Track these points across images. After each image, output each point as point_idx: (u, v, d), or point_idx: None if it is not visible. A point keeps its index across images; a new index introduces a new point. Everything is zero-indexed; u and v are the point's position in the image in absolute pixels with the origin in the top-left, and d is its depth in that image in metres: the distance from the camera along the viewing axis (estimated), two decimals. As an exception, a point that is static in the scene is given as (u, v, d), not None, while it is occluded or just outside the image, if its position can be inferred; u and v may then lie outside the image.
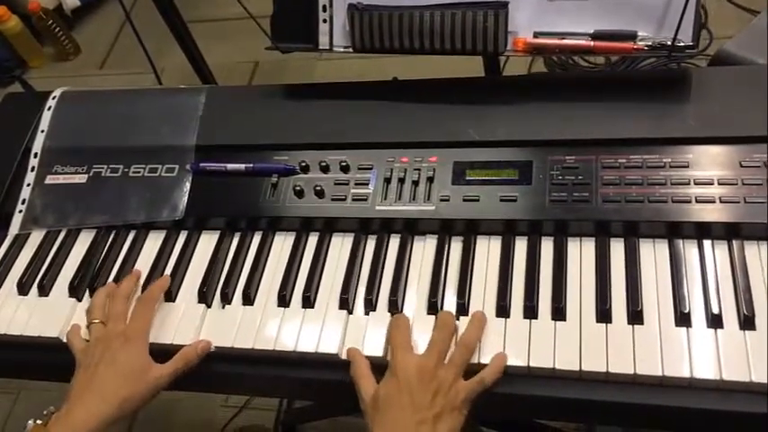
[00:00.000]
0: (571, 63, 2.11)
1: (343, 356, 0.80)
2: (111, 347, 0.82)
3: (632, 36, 0.87)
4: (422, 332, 0.79)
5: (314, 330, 0.83)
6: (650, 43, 0.86)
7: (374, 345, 0.80)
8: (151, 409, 1.72)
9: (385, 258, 0.88)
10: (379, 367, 0.78)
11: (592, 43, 0.88)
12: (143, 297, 0.88)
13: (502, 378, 0.75)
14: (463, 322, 0.79)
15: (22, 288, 0.96)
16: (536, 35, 0.90)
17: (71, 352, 0.85)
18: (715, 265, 0.78)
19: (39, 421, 0.79)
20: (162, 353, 0.85)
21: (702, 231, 0.80)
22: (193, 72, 1.89)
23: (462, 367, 0.75)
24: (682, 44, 0.85)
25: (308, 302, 0.86)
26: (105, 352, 0.82)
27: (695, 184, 0.81)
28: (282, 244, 0.93)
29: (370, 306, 0.84)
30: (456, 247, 0.87)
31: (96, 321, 0.86)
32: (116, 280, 0.94)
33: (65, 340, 0.88)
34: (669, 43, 0.85)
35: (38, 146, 1.07)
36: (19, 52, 2.75)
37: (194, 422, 1.71)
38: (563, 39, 0.89)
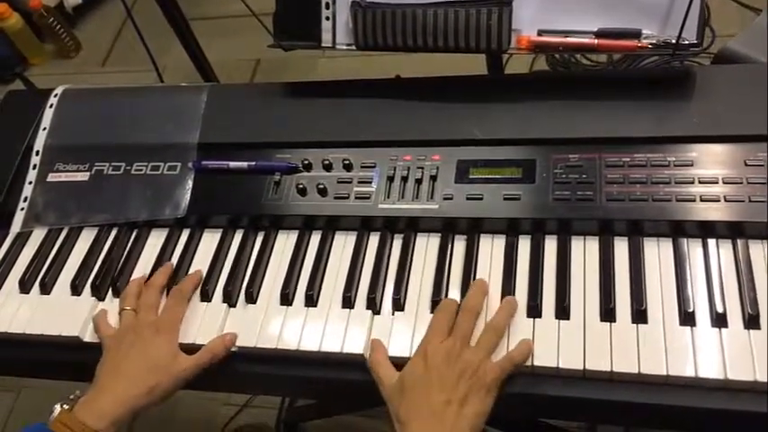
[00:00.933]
0: (573, 61, 2.11)
1: (346, 352, 0.80)
2: (142, 336, 0.82)
3: (636, 34, 0.87)
4: (424, 331, 0.79)
5: (317, 329, 0.83)
6: (654, 41, 0.86)
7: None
8: (152, 410, 1.72)
9: (388, 257, 0.88)
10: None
11: (596, 41, 0.88)
12: (176, 290, 0.88)
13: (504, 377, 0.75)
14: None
15: (24, 286, 0.95)
16: (540, 33, 0.90)
17: (98, 336, 0.86)
18: (719, 264, 0.78)
19: (65, 405, 0.79)
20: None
21: (707, 230, 0.80)
22: (195, 70, 1.89)
23: (490, 350, 0.75)
24: (686, 42, 0.85)
25: (311, 301, 0.85)
26: (136, 341, 0.82)
27: (699, 182, 0.81)
28: (285, 242, 0.93)
29: (373, 305, 0.84)
30: (459, 245, 0.87)
31: (128, 309, 0.86)
32: (118, 278, 0.93)
33: (76, 334, 0.88)
34: (673, 41, 0.85)
35: (39, 143, 1.07)
36: (20, 49, 2.75)
37: (196, 420, 1.71)
38: (567, 37, 0.89)
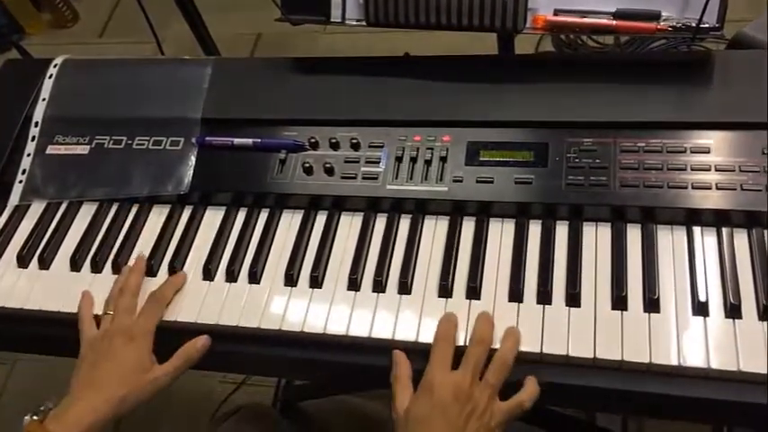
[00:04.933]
0: (580, 43, 2.08)
1: (352, 335, 0.79)
2: (113, 344, 0.80)
3: (656, 16, 0.84)
4: (431, 316, 0.78)
5: (322, 311, 0.81)
6: (674, 24, 0.84)
7: (382, 327, 0.79)
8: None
9: (395, 239, 0.86)
10: (385, 350, 0.77)
11: (614, 22, 0.86)
12: (155, 295, 0.85)
13: (513, 364, 0.73)
14: (474, 307, 0.78)
15: (23, 261, 0.93)
16: (557, 12, 0.88)
17: (81, 338, 0.84)
18: (734, 254, 0.76)
19: (35, 416, 0.77)
20: (165, 331, 0.84)
21: (722, 219, 0.79)
22: (193, 43, 1.85)
23: (498, 387, 0.72)
24: (707, 26, 0.82)
25: (316, 282, 0.84)
26: (109, 350, 0.80)
27: (716, 170, 0.79)
28: (290, 222, 0.91)
29: (380, 287, 0.82)
30: (468, 229, 0.85)
31: (110, 314, 0.84)
32: (118, 254, 0.92)
33: (75, 310, 0.86)
34: (694, 25, 0.83)
35: (39, 115, 1.04)
36: (16, 18, 2.70)
37: (192, 397, 1.70)
38: (584, 17, 0.87)
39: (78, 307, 0.86)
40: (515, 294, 0.78)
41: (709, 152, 0.81)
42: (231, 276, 0.87)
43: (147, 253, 0.91)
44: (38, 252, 0.94)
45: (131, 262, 0.91)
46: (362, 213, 0.89)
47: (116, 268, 0.91)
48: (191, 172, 0.95)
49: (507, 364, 0.73)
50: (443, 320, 0.77)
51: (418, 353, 0.76)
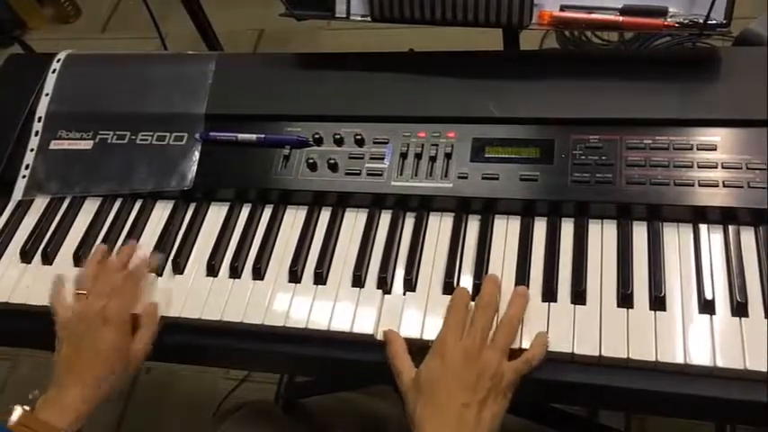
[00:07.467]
0: (584, 39, 2.08)
1: (356, 332, 0.78)
2: (90, 328, 0.80)
3: (663, 12, 0.84)
4: (436, 313, 0.77)
5: (326, 307, 0.81)
6: (681, 20, 0.83)
7: (388, 324, 0.78)
8: (151, 381, 1.71)
9: (400, 236, 0.86)
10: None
11: (620, 18, 0.85)
12: (129, 275, 0.84)
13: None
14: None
15: (26, 256, 0.93)
16: (563, 8, 0.87)
17: (54, 320, 0.83)
18: (740, 252, 0.76)
19: (26, 407, 0.76)
20: (168, 327, 0.84)
21: (728, 217, 0.78)
22: (197, 38, 1.84)
23: (506, 348, 0.73)
24: (714, 22, 0.82)
25: (320, 279, 0.84)
26: (86, 332, 0.80)
27: (723, 167, 0.79)
28: (294, 218, 0.90)
29: (384, 284, 0.82)
30: (473, 226, 0.85)
31: (82, 293, 0.83)
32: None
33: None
34: (701, 21, 0.82)
35: (42, 110, 1.04)
36: (18, 13, 2.70)
37: (195, 394, 1.70)
38: (591, 13, 0.86)
39: (51, 292, 0.85)
40: (521, 292, 0.78)
41: (715, 149, 0.80)
42: (235, 272, 0.86)
43: (151, 248, 0.91)
44: (41, 247, 0.94)
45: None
46: (367, 210, 0.89)
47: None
48: (194, 167, 0.95)
49: (513, 326, 0.74)
50: (460, 289, 0.78)
51: (423, 350, 0.75)
